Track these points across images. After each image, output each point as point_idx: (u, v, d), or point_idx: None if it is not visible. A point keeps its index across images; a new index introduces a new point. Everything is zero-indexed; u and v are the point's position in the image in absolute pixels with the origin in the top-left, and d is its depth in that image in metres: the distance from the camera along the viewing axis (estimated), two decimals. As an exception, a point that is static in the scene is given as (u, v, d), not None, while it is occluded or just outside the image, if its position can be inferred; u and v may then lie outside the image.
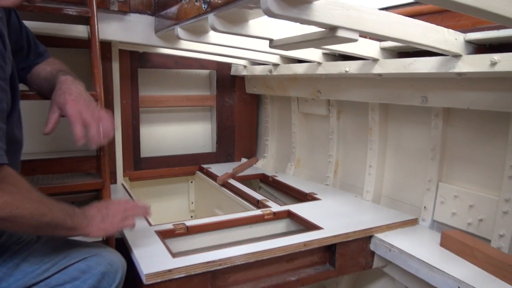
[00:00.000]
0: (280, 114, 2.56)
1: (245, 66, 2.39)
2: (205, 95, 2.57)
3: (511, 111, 1.25)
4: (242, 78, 2.60)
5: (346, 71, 1.62)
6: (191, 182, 2.58)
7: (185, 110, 2.57)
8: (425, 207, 1.61)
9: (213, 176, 2.28)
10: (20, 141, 1.08)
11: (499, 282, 1.16)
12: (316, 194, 1.92)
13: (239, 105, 2.62)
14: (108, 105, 2.05)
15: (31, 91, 1.23)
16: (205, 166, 2.47)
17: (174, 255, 1.23)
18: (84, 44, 1.69)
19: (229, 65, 2.52)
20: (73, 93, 1.08)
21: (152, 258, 1.20)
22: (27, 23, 1.25)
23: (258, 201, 1.82)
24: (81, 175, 1.43)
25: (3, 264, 1.02)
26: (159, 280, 1.12)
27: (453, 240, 1.35)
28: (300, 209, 1.70)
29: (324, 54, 1.75)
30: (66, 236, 1.06)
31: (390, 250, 1.42)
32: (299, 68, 1.92)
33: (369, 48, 1.47)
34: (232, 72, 2.53)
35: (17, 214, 0.87)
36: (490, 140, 1.41)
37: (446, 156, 1.56)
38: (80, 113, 1.06)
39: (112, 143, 2.08)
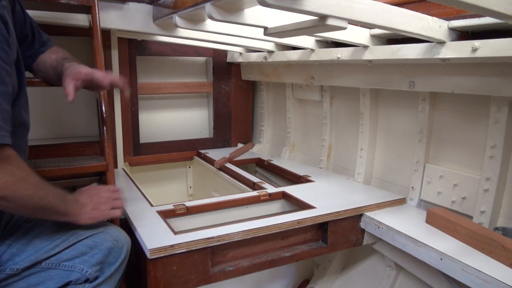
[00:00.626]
0: (275, 100, 2.63)
1: (240, 53, 2.44)
2: (202, 82, 2.63)
3: (491, 95, 1.33)
4: (238, 65, 2.65)
5: (338, 58, 1.69)
6: (189, 167, 2.65)
7: (182, 96, 2.63)
8: (412, 187, 1.70)
9: (210, 161, 2.35)
10: (28, 125, 1.15)
11: (478, 253, 1.25)
12: (310, 177, 2.00)
13: (235, 91, 2.68)
14: (108, 92, 2.10)
15: (37, 78, 1.28)
16: (202, 151, 2.54)
17: (176, 232, 1.31)
18: (84, 32, 1.75)
19: (225, 52, 2.57)
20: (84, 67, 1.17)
21: (155, 235, 1.28)
22: (29, 12, 1.30)
23: (254, 183, 1.90)
24: (85, 158, 1.49)
25: (17, 240, 1.09)
26: (162, 255, 1.20)
27: (438, 217, 1.44)
28: (294, 190, 1.78)
29: (317, 41, 1.81)
30: (56, 220, 1.09)
31: (379, 227, 1.50)
32: (293, 55, 1.98)
33: (359, 35, 1.53)
34: (228, 59, 2.59)
35: (17, 194, 0.93)
36: (473, 122, 1.49)
37: (432, 138, 1.64)
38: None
39: (112, 128, 2.14)
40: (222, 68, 2.62)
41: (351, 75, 1.84)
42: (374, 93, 1.85)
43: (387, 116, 1.86)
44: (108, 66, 2.09)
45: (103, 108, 1.40)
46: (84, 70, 1.16)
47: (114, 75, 1.25)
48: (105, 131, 1.39)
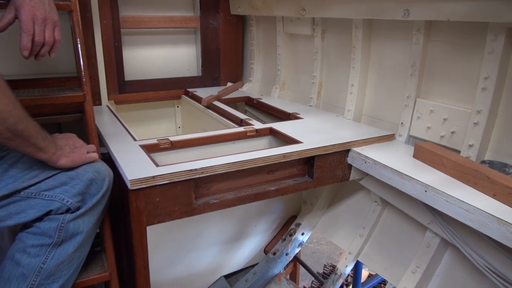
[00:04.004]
0: (266, 36, 2.52)
1: (229, -16, 2.30)
2: (189, 16, 2.49)
3: (488, 21, 1.25)
4: (226, -2, 2.51)
5: (329, -16, 1.58)
6: (178, 106, 2.59)
7: (168, 32, 2.51)
8: (402, 123, 1.66)
9: (198, 99, 2.29)
10: None
11: (463, 185, 1.24)
12: (299, 114, 1.96)
13: (224, 27, 2.56)
14: (87, 24, 1.99)
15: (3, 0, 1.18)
16: (190, 90, 2.47)
17: (158, 165, 1.28)
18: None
19: (212, -17, 2.43)
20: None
21: (137, 167, 1.25)
22: None
23: (241, 120, 1.86)
24: (62, 89, 1.43)
25: (-9, 169, 1.05)
26: (143, 186, 1.18)
27: (425, 151, 1.42)
28: (282, 126, 1.74)
29: (309, -33, 1.69)
30: (33, 155, 1.03)
31: (365, 162, 1.49)
32: (283, -16, 1.86)
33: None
34: (216, -9, 2.44)
35: None
36: (467, 54, 1.43)
37: (425, 72, 1.58)
38: (33, 23, 1.02)
39: (94, 64, 2.05)
40: (210, 1, 2.47)
41: (343, 5, 1.73)
42: (367, 25, 1.76)
43: (380, 49, 1.78)
44: (85, -4, 1.96)
45: (78, 37, 1.31)
46: (24, 16, 1.00)
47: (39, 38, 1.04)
48: (81, 61, 1.32)
